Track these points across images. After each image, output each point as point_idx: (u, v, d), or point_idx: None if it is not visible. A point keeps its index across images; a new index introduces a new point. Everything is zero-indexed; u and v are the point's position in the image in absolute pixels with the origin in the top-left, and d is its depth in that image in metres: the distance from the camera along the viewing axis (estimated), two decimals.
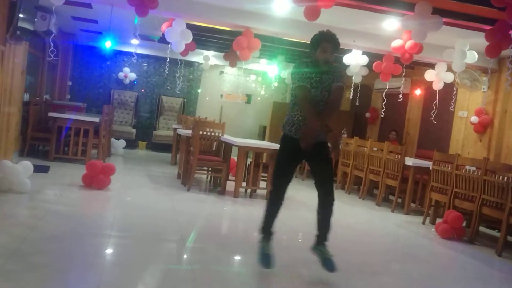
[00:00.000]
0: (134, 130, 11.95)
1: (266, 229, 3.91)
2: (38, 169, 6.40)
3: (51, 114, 8.20)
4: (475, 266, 4.92)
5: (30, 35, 6.67)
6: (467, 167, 6.12)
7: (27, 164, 5.66)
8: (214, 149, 7.71)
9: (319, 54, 3.76)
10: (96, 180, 6.20)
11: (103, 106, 8.96)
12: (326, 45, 3.74)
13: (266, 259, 3.76)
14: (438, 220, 6.23)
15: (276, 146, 7.18)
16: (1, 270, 3.18)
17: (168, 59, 8.78)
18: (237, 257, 4.31)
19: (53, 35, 7.04)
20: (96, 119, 8.29)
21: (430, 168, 6.73)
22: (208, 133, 7.44)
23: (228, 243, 4.69)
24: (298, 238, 5.40)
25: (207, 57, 11.19)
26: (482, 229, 6.36)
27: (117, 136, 10.87)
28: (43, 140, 8.42)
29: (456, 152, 6.86)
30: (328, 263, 3.76)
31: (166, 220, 5.28)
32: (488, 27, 5.40)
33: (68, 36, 10.78)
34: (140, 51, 11.45)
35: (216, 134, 7.52)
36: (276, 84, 12.27)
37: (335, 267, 3.74)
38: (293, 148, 3.80)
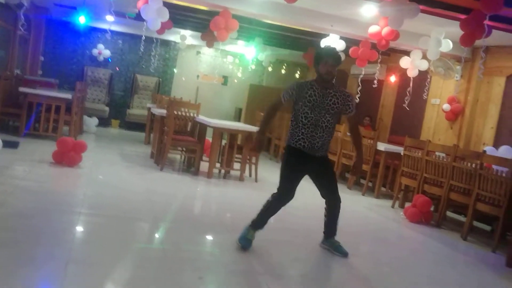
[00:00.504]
0: (107, 108, 11.77)
1: (261, 225, 4.04)
2: (7, 144, 6.26)
3: (22, 89, 8.00)
4: (441, 249, 5.06)
5: (1, 7, 6.47)
6: (437, 153, 6.25)
7: None
8: (188, 129, 7.67)
9: (321, 68, 3.91)
10: (67, 157, 6.11)
11: (75, 83, 8.79)
12: (332, 61, 3.90)
13: (248, 243, 3.89)
14: (407, 204, 6.36)
15: (252, 128, 7.20)
16: None
17: (144, 37, 8.63)
18: (209, 237, 4.33)
19: (24, 8, 6.84)
20: (68, 96, 8.13)
21: (401, 154, 6.85)
22: (183, 113, 7.39)
23: (200, 223, 4.70)
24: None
25: (184, 37, 11.04)
26: (449, 214, 6.53)
27: (89, 114, 10.70)
28: (13, 115, 8.22)
29: (427, 139, 6.98)
30: (341, 249, 4.15)
31: (138, 199, 5.25)
32: (463, 16, 5.47)
33: (41, 10, 10.46)
34: (115, 28, 11.23)
35: (191, 115, 7.47)
36: (253, 66, 12.23)
37: (347, 252, 4.14)
38: (302, 157, 3.98)
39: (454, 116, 7.85)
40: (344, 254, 4.12)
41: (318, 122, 3.92)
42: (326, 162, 4.16)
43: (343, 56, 8.51)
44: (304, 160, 3.95)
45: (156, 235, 4.17)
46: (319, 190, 4.16)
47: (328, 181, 4.12)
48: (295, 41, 10.10)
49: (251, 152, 3.95)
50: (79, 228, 3.94)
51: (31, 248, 3.27)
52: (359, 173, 4.26)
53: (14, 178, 5.23)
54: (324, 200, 4.20)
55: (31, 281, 2.78)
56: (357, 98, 8.68)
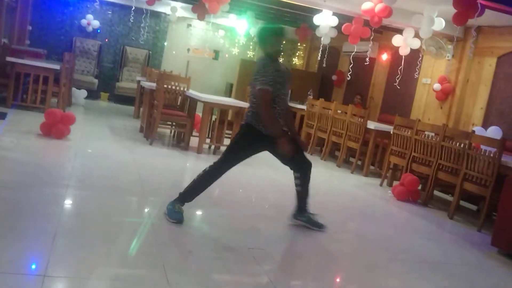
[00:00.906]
0: (96, 81, 11.61)
1: (190, 198, 3.86)
2: None
3: (9, 59, 7.84)
4: (427, 228, 5.12)
5: None
6: (426, 132, 6.27)
7: None
8: (178, 103, 7.61)
9: (276, 48, 3.82)
10: (55, 129, 6.04)
11: (64, 54, 8.64)
12: (283, 39, 3.91)
13: (179, 214, 3.73)
14: (395, 183, 6.41)
15: (243, 104, 7.16)
16: None
17: (134, 7, 8.47)
18: (198, 212, 4.33)
19: None
20: (56, 67, 8.01)
21: (391, 132, 6.87)
22: (173, 87, 7.32)
23: None
24: (258, 195, 5.45)
25: (175, 8, 10.87)
26: (436, 193, 6.59)
27: (78, 86, 10.55)
28: (0, 85, 8.08)
29: (417, 118, 7.00)
30: (318, 224, 4.13)
31: (126, 173, 5.23)
32: None
33: None
34: None
35: (182, 89, 7.40)
36: (244, 41, 12.10)
37: (323, 224, 4.15)
38: (259, 141, 3.84)
39: (444, 95, 7.86)
40: (322, 227, 4.13)
41: (286, 98, 3.91)
42: (287, 134, 4.02)
43: (335, 33, 8.49)
44: (266, 140, 3.81)
45: (145, 209, 4.17)
46: (289, 164, 4.04)
47: (296, 151, 3.93)
48: (288, 16, 9.99)
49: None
50: (67, 201, 3.92)
51: (18, 220, 3.25)
52: (306, 146, 4.18)
53: (0, 149, 5.16)
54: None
55: (18, 251, 2.76)
56: (349, 76, 8.67)
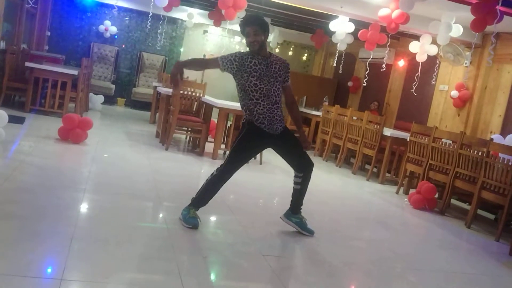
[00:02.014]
0: (113, 86, 11.73)
1: (204, 203, 3.85)
2: (13, 119, 6.26)
3: (28, 64, 7.97)
4: (444, 236, 5.05)
5: None
6: (443, 140, 6.21)
7: (1, 114, 5.52)
8: (194, 109, 7.64)
9: (246, 42, 3.75)
10: (73, 134, 6.11)
11: (82, 59, 8.75)
12: (249, 29, 3.70)
13: (195, 220, 3.72)
14: (412, 191, 6.35)
15: None
16: None
17: (151, 14, 8.54)
18: (213, 218, 4.33)
19: None
20: (74, 72, 8.11)
21: (408, 140, 6.81)
22: (189, 93, 7.36)
23: None
24: (273, 201, 5.44)
25: (191, 15, 10.95)
26: (453, 201, 6.51)
27: (95, 91, 10.67)
28: (19, 90, 8.21)
29: (434, 125, 6.94)
30: (308, 228, 4.05)
31: (142, 178, 5.26)
32: (474, 1, 5.39)
33: None
34: (122, 4, 11.11)
35: (197, 95, 7.44)
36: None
37: (313, 230, 4.07)
38: (262, 138, 3.81)
39: (462, 103, 7.78)
40: (311, 233, 4.04)
41: (270, 93, 3.73)
42: (289, 132, 3.96)
43: (351, 39, 8.47)
44: (267, 137, 3.80)
45: (160, 214, 4.19)
46: (290, 161, 3.98)
47: (299, 150, 3.95)
48: (303, 22, 10.01)
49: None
50: (84, 205, 3.95)
51: (35, 222, 3.29)
52: (309, 145, 4.02)
53: (19, 153, 5.23)
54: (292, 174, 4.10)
55: (35, 255, 2.79)
56: (365, 82, 8.63)
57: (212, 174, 3.83)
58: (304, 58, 13.36)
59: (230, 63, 3.70)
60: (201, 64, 4.32)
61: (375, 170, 7.69)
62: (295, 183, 4.05)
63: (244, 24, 3.73)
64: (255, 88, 3.69)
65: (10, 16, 8.65)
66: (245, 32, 3.71)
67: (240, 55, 3.72)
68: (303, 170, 3.99)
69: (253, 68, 3.68)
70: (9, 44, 8.63)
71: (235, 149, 3.82)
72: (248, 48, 3.78)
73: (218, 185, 3.81)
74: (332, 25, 8.03)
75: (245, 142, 3.80)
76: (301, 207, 4.11)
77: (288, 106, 4.03)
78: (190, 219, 3.71)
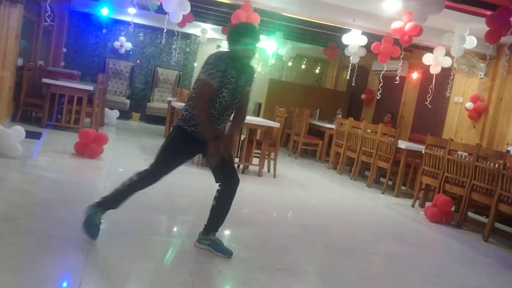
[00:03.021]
0: (128, 101, 11.86)
1: (115, 206, 3.54)
2: (30, 135, 6.35)
3: (45, 80, 8.10)
4: (461, 250, 4.99)
5: None
6: (459, 152, 6.15)
7: (19, 129, 5.61)
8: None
9: (241, 51, 3.37)
10: (89, 148, 6.17)
11: (97, 75, 8.87)
12: (250, 42, 3.38)
13: (96, 229, 3.41)
14: (428, 204, 6.28)
15: (271, 123, 7.18)
16: None
17: (165, 30, 8.65)
18: (227, 232, 4.33)
19: None
20: (90, 88, 8.21)
21: (423, 152, 6.76)
22: None
23: None
24: (288, 215, 5.42)
25: (205, 30, 11.06)
26: (470, 214, 6.43)
27: (110, 106, 10.79)
28: (36, 106, 8.33)
29: (449, 137, 6.88)
30: (226, 249, 3.56)
31: (157, 191, 5.26)
32: (489, 13, 5.37)
33: (64, 2, 10.58)
34: (136, 20, 11.21)
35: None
36: (273, 61, 12.18)
37: (230, 250, 3.57)
38: (194, 144, 3.47)
39: (477, 114, 7.72)
40: (228, 253, 3.52)
41: (231, 104, 3.42)
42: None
43: (364, 52, 8.48)
44: (198, 145, 3.43)
45: (175, 228, 4.20)
46: (215, 174, 3.61)
47: (226, 163, 3.52)
48: (316, 35, 10.04)
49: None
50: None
51: (52, 237, 3.32)
52: (215, 157, 3.37)
53: (36, 168, 5.30)
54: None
55: (52, 269, 2.82)
56: (378, 94, 8.61)
57: (130, 179, 3.50)
58: (317, 71, 13.38)
59: (219, 78, 3.27)
60: (205, 106, 3.32)
61: (390, 183, 7.63)
62: (214, 198, 3.69)
63: (258, 36, 3.45)
64: (222, 99, 3.35)
65: (27, 33, 8.82)
66: (246, 44, 3.36)
67: (224, 66, 3.29)
68: (223, 184, 3.61)
69: (229, 81, 3.33)
70: (26, 61, 8.79)
71: (162, 155, 3.50)
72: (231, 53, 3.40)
73: (132, 192, 3.52)
74: (345, 38, 8.05)
75: (174, 148, 3.49)
76: (217, 227, 3.64)
77: (239, 109, 3.58)
78: (92, 226, 3.38)
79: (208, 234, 3.59)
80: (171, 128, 3.51)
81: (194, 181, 6.22)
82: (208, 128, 3.31)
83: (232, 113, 3.54)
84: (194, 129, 3.38)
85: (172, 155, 3.50)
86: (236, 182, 3.57)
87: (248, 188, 6.34)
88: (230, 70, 3.32)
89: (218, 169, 3.55)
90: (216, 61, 3.29)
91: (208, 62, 3.33)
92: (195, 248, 3.60)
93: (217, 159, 3.38)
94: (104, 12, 8.95)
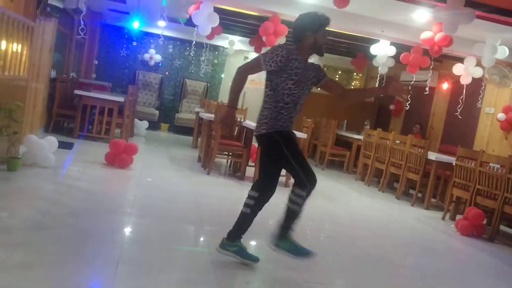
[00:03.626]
0: (157, 112, 12.04)
1: (245, 231, 3.56)
2: (62, 145, 6.50)
3: (77, 92, 8.30)
4: (494, 264, 4.86)
5: (59, 12, 6.74)
6: (491, 164, 6.02)
7: (52, 140, 5.75)
8: (235, 134, 7.73)
9: (321, 38, 3.39)
10: (119, 159, 6.28)
11: (127, 86, 9.04)
12: (326, 30, 3.43)
13: (248, 254, 3.49)
14: (458, 217, 6.15)
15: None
16: (24, 242, 3.26)
17: (194, 42, 8.78)
18: (254, 243, 4.33)
19: (83, 13, 7.10)
20: (120, 99, 8.38)
21: (453, 164, 6.64)
22: None
23: None
24: (315, 226, 5.39)
25: (233, 42, 11.17)
26: (503, 228, 6.26)
27: (140, 117, 10.97)
28: (68, 117, 8.54)
29: (481, 149, 6.74)
30: (303, 251, 3.50)
31: (185, 202, 5.34)
32: None
33: (95, 15, 10.86)
34: (166, 33, 11.47)
35: (238, 119, 7.53)
36: None
37: (309, 250, 3.50)
38: (279, 143, 3.43)
39: (509, 125, 7.55)
40: (307, 254, 3.50)
41: (298, 101, 3.43)
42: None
43: (393, 62, 8.42)
44: (281, 139, 3.40)
45: (202, 238, 4.23)
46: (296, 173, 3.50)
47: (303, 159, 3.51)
48: (344, 46, 10.02)
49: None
50: (129, 229, 4.04)
51: (83, 245, 3.38)
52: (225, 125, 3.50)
53: (68, 178, 5.42)
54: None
55: (83, 277, 2.87)
56: (407, 105, 8.52)
57: (252, 197, 3.52)
58: (345, 82, 13.32)
59: (274, 62, 3.29)
60: (244, 80, 3.46)
61: (419, 195, 7.51)
62: (291, 201, 3.59)
63: (325, 21, 3.43)
64: (289, 92, 3.35)
65: (60, 46, 9.07)
66: (320, 30, 3.38)
67: (286, 52, 3.30)
68: (301, 179, 3.49)
69: (294, 71, 3.33)
70: (59, 73, 9.04)
71: (267, 166, 3.51)
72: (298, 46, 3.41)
73: (262, 206, 3.54)
74: (373, 49, 8.02)
75: (274, 153, 3.44)
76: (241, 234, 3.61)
77: (342, 97, 3.77)
78: (246, 254, 3.49)
79: (288, 235, 3.54)
80: (258, 136, 3.53)
81: (221, 192, 6.24)
82: (234, 96, 3.40)
83: (298, 113, 3.49)
84: (278, 126, 3.37)
85: (270, 161, 3.51)
86: (315, 181, 3.53)
87: (275, 199, 6.32)
88: (294, 59, 3.32)
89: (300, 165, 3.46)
90: (278, 48, 3.34)
91: (270, 48, 3.39)
92: (223, 259, 3.61)
93: (227, 126, 3.49)
94: (135, 25, 9.14)
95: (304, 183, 3.42)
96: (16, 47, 5.39)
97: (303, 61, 3.39)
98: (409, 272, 4.24)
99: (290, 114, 3.42)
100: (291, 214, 3.51)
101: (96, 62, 11.85)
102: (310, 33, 3.38)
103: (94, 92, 8.46)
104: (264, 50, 9.26)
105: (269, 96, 3.44)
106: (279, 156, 3.41)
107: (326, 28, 3.43)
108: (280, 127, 3.40)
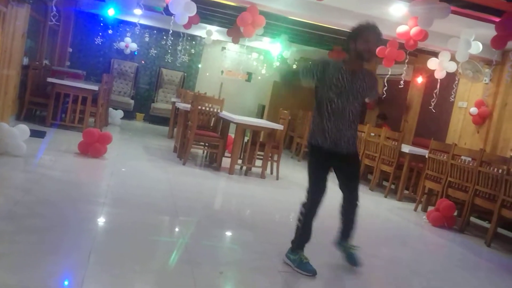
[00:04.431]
0: (132, 101, 11.89)
1: (308, 238, 3.68)
2: (34, 133, 6.38)
3: (50, 79, 8.14)
4: (463, 255, 4.98)
5: None
6: (463, 157, 6.14)
7: (23, 128, 5.64)
8: (212, 125, 7.70)
9: (361, 45, 3.38)
10: (92, 148, 6.19)
11: (102, 75, 8.90)
12: (371, 36, 3.41)
13: (309, 265, 3.53)
14: (430, 208, 6.27)
15: (275, 125, 7.19)
16: None
17: (171, 31, 8.68)
18: (229, 233, 4.34)
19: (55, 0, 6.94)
20: (95, 88, 8.25)
21: (426, 156, 6.75)
22: (207, 109, 7.42)
23: (220, 219, 4.72)
24: (289, 217, 5.42)
25: (210, 32, 11.09)
26: (473, 219, 6.41)
27: (115, 106, 10.83)
28: (41, 105, 8.37)
29: (453, 142, 6.87)
30: (352, 257, 3.76)
31: (160, 192, 5.30)
32: (495, 18, 5.37)
33: (70, 2, 10.62)
34: (142, 21, 11.27)
35: (215, 110, 7.50)
36: (277, 63, 12.20)
37: (359, 261, 3.75)
38: (324, 157, 3.63)
39: (481, 120, 7.70)
40: (355, 263, 3.77)
41: (344, 111, 3.47)
42: (355, 159, 3.77)
43: None
44: (329, 156, 3.58)
45: (177, 229, 4.20)
46: (342, 188, 3.82)
47: (352, 182, 3.78)
48: (321, 39, 10.05)
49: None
50: (102, 219, 4.00)
51: (55, 235, 3.33)
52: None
53: (40, 166, 5.32)
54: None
55: (56, 267, 2.83)
56: (382, 98, 8.60)
57: (304, 205, 3.67)
58: None
59: (315, 72, 3.45)
60: (292, 83, 3.72)
61: (393, 186, 7.63)
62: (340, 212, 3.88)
63: (365, 29, 3.43)
64: (331, 103, 3.44)
65: (33, 33, 8.86)
66: (361, 37, 3.39)
67: (322, 65, 3.44)
68: (345, 202, 3.83)
69: (334, 83, 3.41)
70: (32, 60, 8.83)
71: (311, 174, 3.70)
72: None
73: (316, 211, 3.66)
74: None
75: (316, 163, 3.68)
76: (349, 237, 3.86)
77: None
78: (305, 265, 3.51)
79: (342, 240, 3.83)
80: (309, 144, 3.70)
81: (196, 183, 6.22)
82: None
83: (355, 125, 3.57)
84: (320, 142, 3.53)
85: (316, 171, 3.68)
86: (354, 199, 3.83)
87: (251, 190, 6.35)
88: (337, 70, 3.41)
89: (344, 183, 3.79)
90: (317, 61, 3.49)
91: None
92: (197, 249, 3.60)
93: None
94: (110, 12, 8.98)
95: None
96: None
97: (348, 71, 3.44)
98: (382, 263, 4.30)
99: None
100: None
101: (70, 49, 11.61)
102: (351, 41, 3.44)
103: (67, 80, 8.30)
104: (241, 41, 9.23)
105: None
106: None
107: (370, 34, 3.42)
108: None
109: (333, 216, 3.96)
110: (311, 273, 3.48)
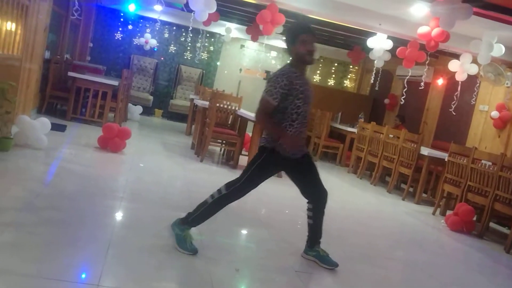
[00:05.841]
0: (151, 97, 11.96)
1: (201, 222, 3.52)
2: (55, 127, 6.45)
3: (71, 74, 8.23)
4: (481, 260, 4.91)
5: None
6: (483, 161, 6.05)
7: (44, 121, 5.71)
8: (229, 122, 7.71)
9: (300, 48, 3.33)
10: (112, 143, 6.25)
11: (122, 70, 8.97)
12: (306, 37, 3.34)
13: (192, 246, 3.37)
14: (449, 212, 6.20)
15: None
16: (15, 222, 3.25)
17: (190, 28, 8.71)
18: (245, 231, 4.35)
19: None
20: (115, 83, 8.32)
21: (445, 160, 6.67)
22: (225, 106, 7.43)
23: (236, 216, 4.71)
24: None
25: (229, 29, 11.09)
26: (492, 224, 6.32)
27: (134, 102, 10.91)
28: (61, 99, 8.47)
29: (473, 146, 6.78)
30: (328, 260, 3.66)
31: (177, 188, 5.33)
32: None
33: None
34: (162, 18, 11.34)
35: (233, 108, 7.51)
36: None
37: (335, 262, 3.65)
38: (281, 163, 3.51)
39: (502, 123, 7.59)
40: (334, 265, 3.63)
41: (306, 115, 3.44)
42: (309, 157, 3.65)
43: (389, 56, 8.41)
44: (282, 161, 3.44)
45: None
46: (303, 189, 3.65)
47: (316, 177, 3.64)
48: (340, 38, 10.00)
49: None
50: (120, 213, 4.03)
51: (74, 228, 3.37)
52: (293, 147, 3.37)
53: (60, 160, 5.38)
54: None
55: (73, 260, 2.86)
56: (402, 100, 8.53)
57: (219, 192, 3.49)
58: (341, 74, 13.32)
59: (280, 94, 3.29)
60: (266, 120, 3.45)
61: (411, 189, 7.55)
62: (308, 216, 3.72)
63: (299, 30, 3.36)
64: (297, 110, 3.36)
65: (55, 27, 8.97)
66: (298, 40, 3.31)
67: (287, 78, 3.29)
68: (314, 201, 3.66)
69: (299, 90, 3.32)
70: (53, 54, 8.94)
71: (252, 173, 3.44)
72: (294, 60, 3.40)
73: (223, 204, 3.51)
74: (370, 42, 8.00)
75: (263, 168, 3.47)
76: (320, 240, 3.74)
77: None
78: (189, 245, 3.36)
79: (313, 246, 3.71)
80: (261, 147, 3.52)
81: (213, 180, 6.24)
82: (275, 129, 3.39)
83: (306, 127, 3.54)
84: (276, 145, 3.37)
85: (261, 175, 3.50)
86: (325, 196, 3.67)
87: (267, 189, 6.33)
88: (296, 78, 3.32)
89: (307, 188, 3.64)
90: (277, 76, 3.31)
91: (269, 78, 3.38)
92: (214, 245, 3.61)
93: (294, 147, 3.36)
94: (131, 8, 9.03)
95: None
96: (10, 25, 5.32)
97: (300, 76, 3.38)
98: (398, 266, 4.27)
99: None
100: None
101: (91, 44, 11.72)
102: (291, 46, 3.38)
103: (88, 75, 8.39)
104: (260, 39, 9.21)
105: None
106: None
107: (306, 35, 3.33)
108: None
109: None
110: (193, 252, 3.32)
